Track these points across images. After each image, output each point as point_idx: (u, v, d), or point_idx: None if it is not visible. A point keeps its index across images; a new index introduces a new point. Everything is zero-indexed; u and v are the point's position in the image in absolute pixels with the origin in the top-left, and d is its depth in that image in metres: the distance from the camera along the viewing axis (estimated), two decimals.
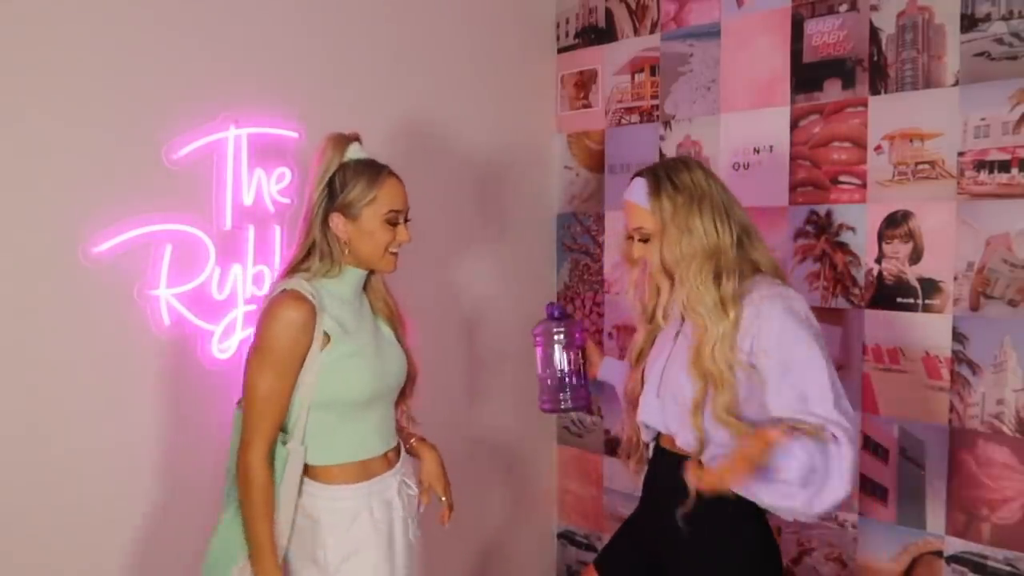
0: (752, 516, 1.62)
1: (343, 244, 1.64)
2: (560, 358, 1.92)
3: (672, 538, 1.68)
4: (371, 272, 1.72)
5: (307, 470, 1.62)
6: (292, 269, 1.66)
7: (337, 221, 1.62)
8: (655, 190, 1.64)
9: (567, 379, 1.92)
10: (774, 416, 1.52)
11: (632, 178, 1.71)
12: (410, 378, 1.79)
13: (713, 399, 1.57)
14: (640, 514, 1.86)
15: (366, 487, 1.65)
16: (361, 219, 1.62)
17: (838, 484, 1.46)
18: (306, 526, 1.62)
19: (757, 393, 1.56)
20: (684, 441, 1.65)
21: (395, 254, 1.68)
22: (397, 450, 1.77)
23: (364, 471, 1.66)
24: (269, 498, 1.57)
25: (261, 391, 1.56)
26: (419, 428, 1.88)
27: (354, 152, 1.65)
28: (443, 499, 1.87)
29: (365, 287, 1.74)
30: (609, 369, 1.98)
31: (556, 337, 1.91)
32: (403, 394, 1.80)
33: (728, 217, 1.63)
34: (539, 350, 1.93)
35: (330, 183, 1.62)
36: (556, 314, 1.94)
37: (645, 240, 1.67)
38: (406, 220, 1.68)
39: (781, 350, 1.52)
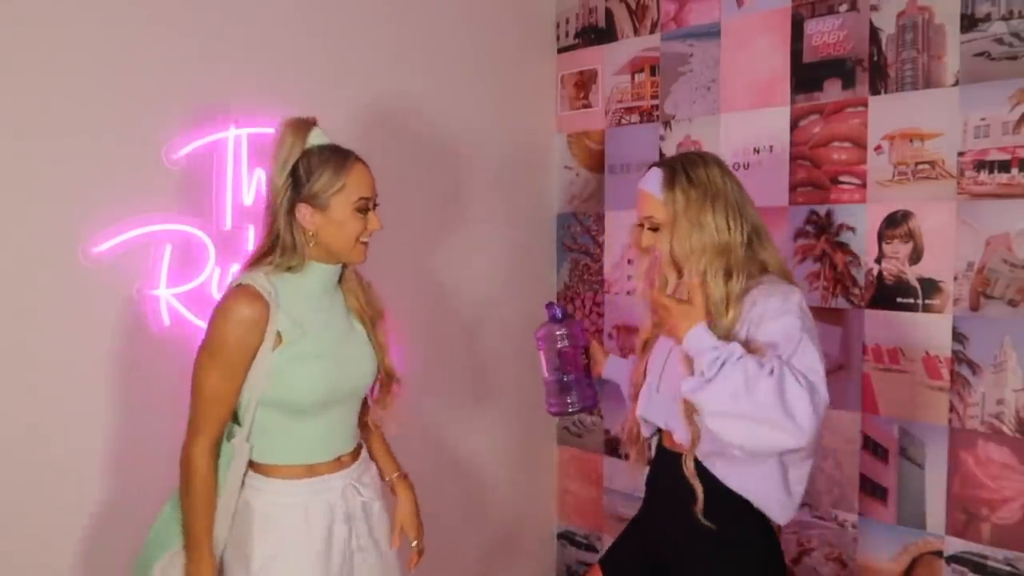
0: (755, 516, 1.62)
1: (310, 236, 1.55)
2: (564, 359, 1.89)
3: (674, 538, 1.69)
4: (344, 265, 1.64)
5: (252, 464, 1.58)
6: (254, 263, 1.57)
7: (304, 212, 1.53)
8: (670, 182, 1.64)
9: (573, 380, 1.89)
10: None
11: (649, 168, 1.72)
12: (382, 380, 1.70)
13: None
14: (644, 514, 1.86)
15: (306, 485, 1.57)
16: (330, 209, 1.53)
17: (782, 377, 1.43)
18: (243, 519, 1.56)
19: None
20: (680, 436, 1.65)
21: (365, 244, 1.60)
22: (355, 453, 1.68)
23: (308, 471, 1.59)
24: (209, 492, 1.52)
25: (206, 389, 1.51)
26: (390, 429, 1.78)
27: (316, 138, 1.56)
28: (414, 544, 1.79)
29: (340, 281, 1.66)
30: (613, 367, 1.98)
31: (559, 339, 1.88)
32: (377, 398, 1.72)
33: (740, 216, 1.63)
34: (542, 353, 1.90)
35: (293, 172, 1.53)
36: (557, 315, 1.92)
37: (655, 229, 1.67)
38: (375, 206, 1.60)
39: (774, 337, 1.53)
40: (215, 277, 2.04)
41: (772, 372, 1.44)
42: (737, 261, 1.60)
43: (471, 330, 2.70)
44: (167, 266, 1.96)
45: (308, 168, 1.53)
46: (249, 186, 2.09)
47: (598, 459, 2.87)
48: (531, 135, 2.87)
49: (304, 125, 1.56)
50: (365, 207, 1.57)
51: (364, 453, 1.73)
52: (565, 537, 3.00)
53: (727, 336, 1.55)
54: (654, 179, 1.68)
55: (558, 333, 1.89)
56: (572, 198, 2.91)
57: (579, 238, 2.89)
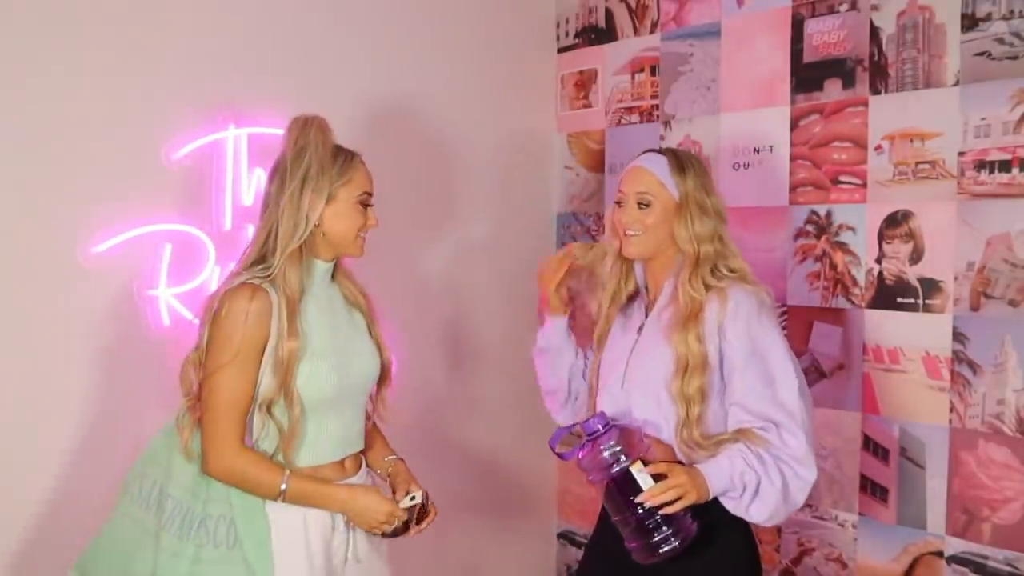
0: (732, 522, 1.62)
1: (315, 228, 1.57)
2: (630, 487, 1.50)
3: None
4: (336, 264, 1.67)
5: None
6: (245, 268, 1.58)
7: (313, 201, 1.55)
8: (679, 167, 1.69)
9: (655, 513, 1.49)
10: (732, 404, 1.62)
11: (645, 151, 1.76)
12: (383, 371, 1.72)
13: (687, 381, 1.61)
14: (602, 538, 1.80)
15: None
16: (337, 200, 1.58)
17: (791, 475, 1.58)
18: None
19: (715, 378, 1.63)
20: (654, 427, 1.67)
21: (363, 239, 1.64)
22: (358, 459, 1.69)
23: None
24: (266, 470, 1.52)
25: (224, 391, 1.50)
26: (389, 420, 1.77)
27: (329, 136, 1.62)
28: (418, 496, 1.70)
29: (333, 278, 1.68)
30: (557, 331, 1.90)
31: (615, 461, 1.52)
32: (377, 393, 1.73)
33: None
34: (600, 487, 1.55)
35: (307, 163, 1.56)
36: (598, 428, 1.54)
37: (646, 206, 1.69)
38: (371, 205, 1.65)
39: (749, 335, 1.61)
40: (215, 277, 2.04)
41: (781, 472, 1.56)
42: (724, 249, 1.69)
43: (471, 330, 2.70)
44: (167, 266, 1.96)
45: (320, 161, 1.56)
46: (249, 186, 2.09)
47: None
48: (531, 135, 2.87)
49: (323, 122, 1.60)
50: (366, 203, 1.63)
51: (363, 462, 1.73)
52: (565, 537, 3.00)
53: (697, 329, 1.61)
54: (657, 161, 1.71)
55: (611, 453, 1.52)
56: (572, 198, 2.91)
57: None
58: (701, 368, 1.61)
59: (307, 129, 1.57)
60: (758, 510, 1.57)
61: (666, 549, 1.48)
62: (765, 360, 1.60)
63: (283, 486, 1.51)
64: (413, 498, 1.66)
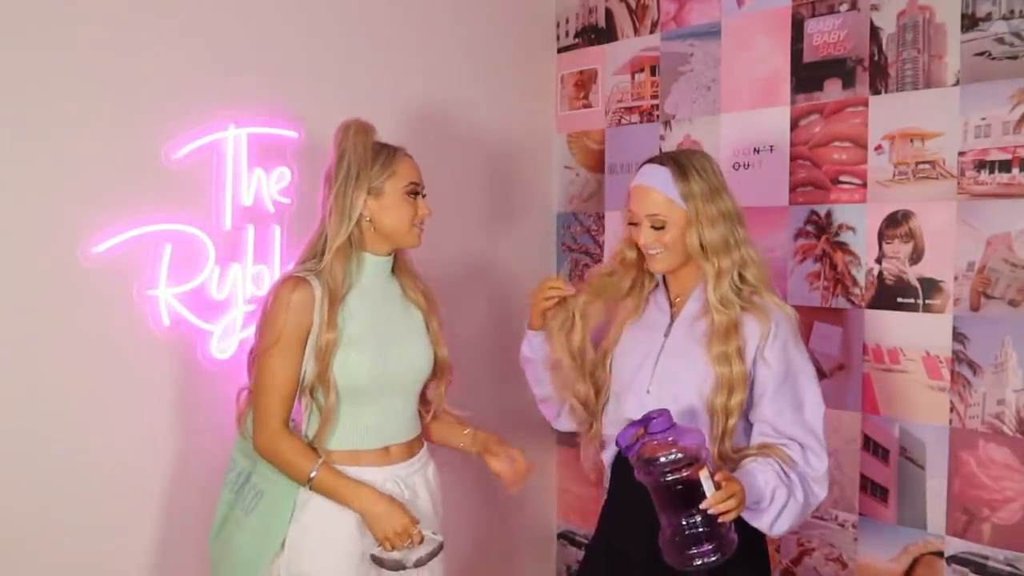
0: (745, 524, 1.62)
1: (367, 223, 1.67)
2: (687, 492, 1.42)
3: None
4: (396, 257, 1.76)
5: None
6: (300, 263, 1.70)
7: (361, 197, 1.66)
8: (682, 175, 1.65)
9: (702, 523, 1.43)
10: (761, 422, 1.64)
11: (642, 165, 1.72)
12: (438, 370, 1.79)
13: (731, 396, 1.62)
14: (606, 543, 1.81)
15: (347, 471, 1.64)
16: (384, 193, 1.67)
17: (810, 493, 1.63)
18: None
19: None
20: None
21: (420, 228, 1.72)
22: (409, 448, 1.75)
23: (352, 458, 1.67)
24: (305, 456, 1.61)
25: (268, 376, 1.61)
26: (443, 417, 1.86)
27: (372, 136, 1.72)
28: (517, 459, 1.83)
29: (394, 272, 1.77)
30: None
31: (675, 464, 1.42)
32: (432, 387, 1.80)
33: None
34: (650, 488, 1.46)
35: (350, 163, 1.66)
36: (663, 426, 1.44)
37: (659, 228, 1.66)
38: (424, 195, 1.74)
39: (786, 359, 1.62)
40: (215, 277, 2.04)
41: (804, 491, 1.60)
42: (748, 241, 1.68)
43: (470, 330, 2.70)
44: (167, 266, 1.96)
45: (360, 160, 1.65)
46: (249, 186, 2.09)
47: (599, 459, 2.86)
48: (531, 135, 2.87)
49: (362, 125, 1.70)
50: (415, 191, 1.71)
51: (423, 453, 1.79)
52: (565, 537, 3.00)
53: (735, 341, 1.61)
54: (660, 176, 1.66)
55: (671, 458, 1.41)
56: (572, 198, 2.90)
57: (579, 238, 2.89)
58: (743, 384, 1.62)
59: (346, 133, 1.67)
60: (782, 524, 1.60)
61: (702, 563, 1.43)
62: (796, 383, 1.63)
63: (313, 473, 1.60)
64: (435, 533, 1.68)
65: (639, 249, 1.72)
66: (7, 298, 1.79)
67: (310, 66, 2.23)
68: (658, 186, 1.66)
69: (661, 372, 1.69)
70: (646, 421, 1.47)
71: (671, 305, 1.75)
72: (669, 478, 1.41)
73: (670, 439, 1.43)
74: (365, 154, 1.66)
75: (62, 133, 1.83)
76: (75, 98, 1.84)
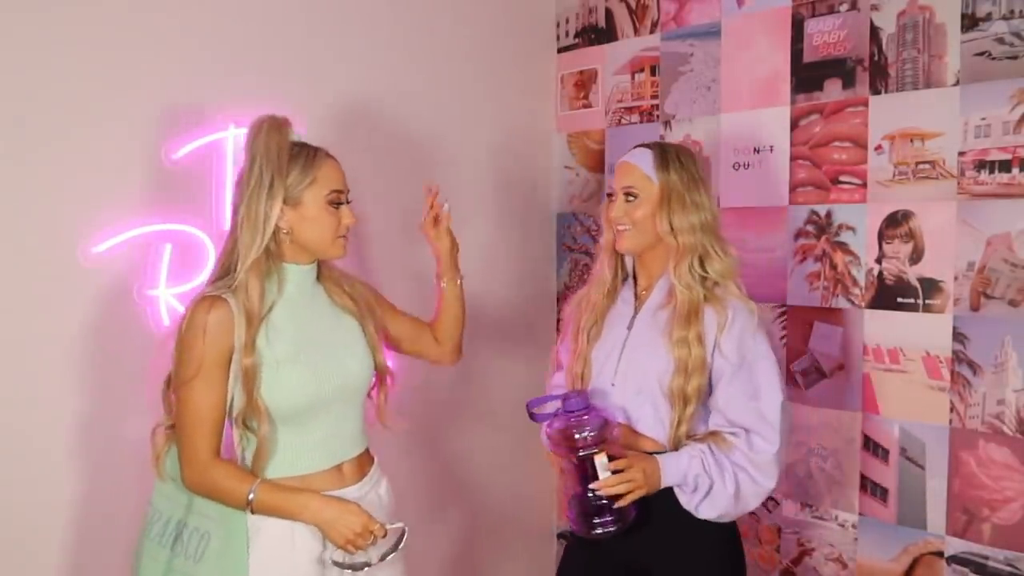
0: (720, 526, 1.68)
1: (283, 235, 1.52)
2: (593, 470, 1.58)
3: (635, 549, 1.70)
4: (320, 263, 1.61)
5: None
6: (213, 282, 1.53)
7: (277, 208, 1.50)
8: (663, 161, 1.72)
9: (604, 499, 1.59)
10: (715, 410, 1.68)
11: (635, 146, 1.79)
12: (378, 376, 1.65)
13: (687, 381, 1.65)
14: (578, 549, 1.83)
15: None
16: (302, 203, 1.51)
17: (749, 481, 1.64)
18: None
19: (704, 383, 1.68)
20: (647, 426, 1.69)
21: (344, 238, 1.56)
22: (360, 464, 1.62)
23: (302, 484, 1.52)
24: (238, 480, 1.47)
25: (191, 406, 1.45)
26: (389, 424, 1.71)
27: (289, 135, 1.53)
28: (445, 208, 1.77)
29: (318, 279, 1.62)
30: None
31: (585, 439, 1.59)
32: (375, 393, 1.68)
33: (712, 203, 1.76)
34: (562, 460, 1.64)
35: (262, 168, 1.49)
36: (578, 406, 1.61)
37: (633, 198, 1.71)
38: (348, 201, 1.57)
39: (741, 348, 1.65)
40: None
41: (736, 479, 1.62)
42: (719, 238, 1.72)
43: (470, 330, 2.69)
44: (166, 266, 1.96)
45: (274, 165, 1.48)
46: None
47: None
48: (531, 135, 2.87)
49: (276, 122, 1.52)
50: (338, 200, 1.54)
51: (375, 470, 1.66)
52: (565, 537, 2.99)
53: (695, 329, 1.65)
54: (643, 155, 1.74)
55: (581, 436, 1.58)
56: (572, 198, 2.91)
57: (579, 238, 2.89)
58: (701, 369, 1.65)
59: (258, 133, 1.49)
60: (707, 509, 1.65)
61: (601, 532, 1.60)
62: (753, 373, 1.65)
63: (250, 495, 1.46)
64: (394, 523, 1.57)
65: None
66: (7, 298, 1.79)
67: (310, 66, 2.23)
68: (639, 163, 1.73)
69: (624, 366, 1.73)
70: (564, 398, 1.63)
71: (635, 298, 1.79)
72: (581, 454, 1.58)
73: (582, 419, 1.59)
74: (280, 158, 1.47)
75: (62, 133, 1.83)
76: (75, 98, 1.84)
